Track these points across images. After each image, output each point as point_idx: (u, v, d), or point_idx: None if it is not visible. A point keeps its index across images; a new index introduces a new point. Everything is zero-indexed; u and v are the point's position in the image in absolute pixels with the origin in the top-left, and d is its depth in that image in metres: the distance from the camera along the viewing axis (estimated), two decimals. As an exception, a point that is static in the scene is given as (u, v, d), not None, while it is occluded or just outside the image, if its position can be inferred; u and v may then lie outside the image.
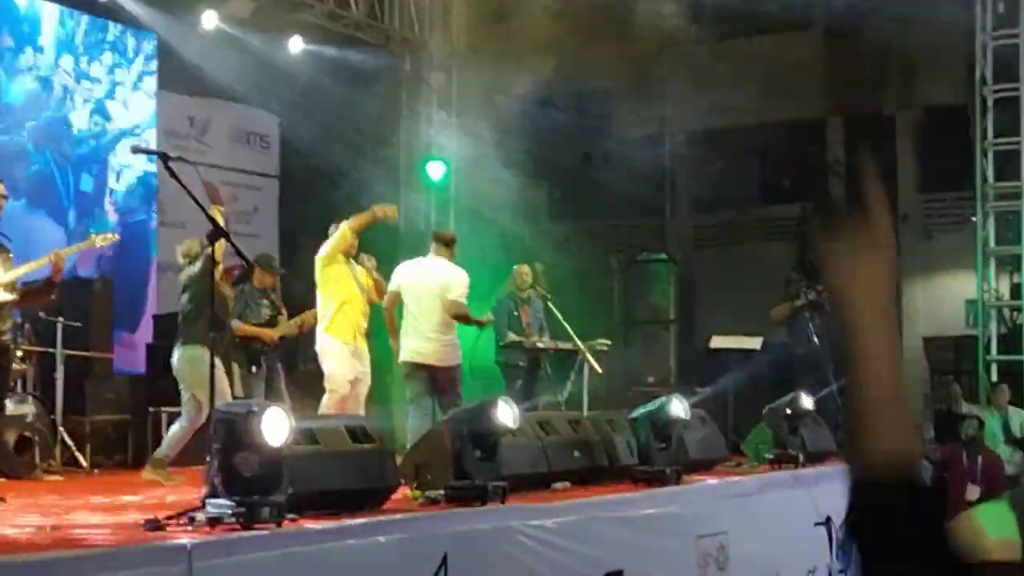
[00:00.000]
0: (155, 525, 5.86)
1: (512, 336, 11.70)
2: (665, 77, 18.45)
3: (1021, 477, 12.60)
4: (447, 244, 10.53)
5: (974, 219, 14.59)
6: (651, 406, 9.10)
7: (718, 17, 17.65)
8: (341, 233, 10.34)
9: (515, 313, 11.86)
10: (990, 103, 14.23)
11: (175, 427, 9.79)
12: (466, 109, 17.21)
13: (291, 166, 16.81)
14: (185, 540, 5.40)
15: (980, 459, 12.26)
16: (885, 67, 17.49)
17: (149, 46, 15.12)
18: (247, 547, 5.55)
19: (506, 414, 7.51)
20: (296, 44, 14.77)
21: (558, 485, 8.47)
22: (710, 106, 18.14)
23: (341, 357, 10.24)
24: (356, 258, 10.60)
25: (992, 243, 14.36)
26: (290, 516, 6.00)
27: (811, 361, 13.09)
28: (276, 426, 6.02)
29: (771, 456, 10.66)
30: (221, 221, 8.12)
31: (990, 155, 14.20)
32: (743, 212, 19.55)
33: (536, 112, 16.87)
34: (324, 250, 10.40)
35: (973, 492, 12.04)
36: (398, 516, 6.65)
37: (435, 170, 17.28)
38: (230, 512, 5.81)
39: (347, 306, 10.33)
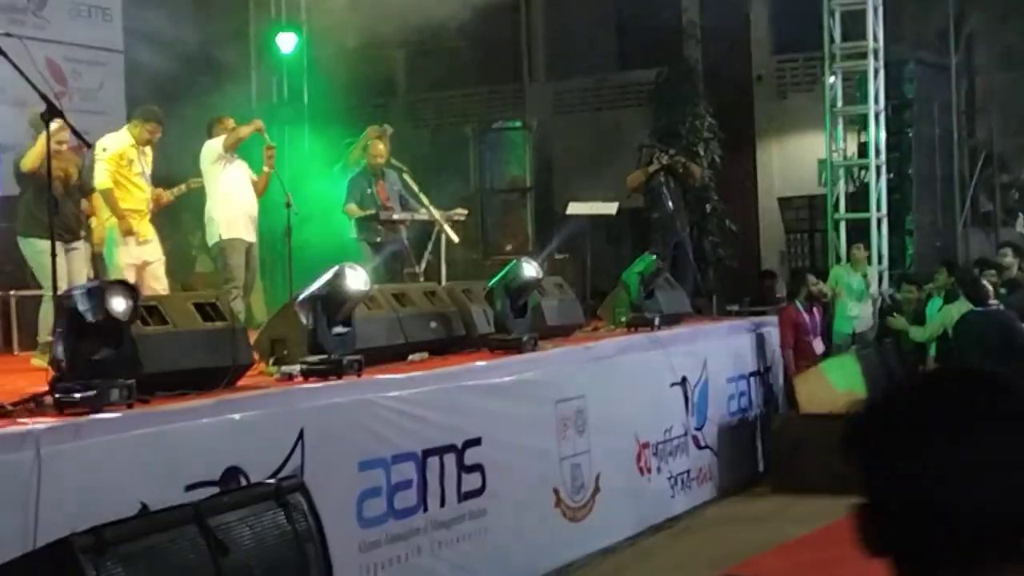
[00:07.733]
0: (1, 411, 5.73)
1: (368, 211, 11.54)
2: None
3: (867, 334, 12.86)
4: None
5: (826, 79, 14.75)
6: (503, 272, 9.13)
7: None
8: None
9: (370, 190, 11.69)
10: (837, -36, 14.29)
11: (43, 310, 9.52)
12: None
13: (135, 40, 16.24)
14: (32, 425, 5.30)
15: (822, 313, 12.37)
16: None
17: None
18: (97, 431, 5.47)
19: (356, 279, 7.47)
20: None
21: (415, 356, 8.48)
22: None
23: None
24: None
25: (840, 103, 14.56)
26: (141, 398, 5.92)
27: (667, 224, 13.26)
28: (120, 303, 5.89)
29: (627, 320, 10.79)
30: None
31: (836, 16, 14.29)
32: (599, 79, 19.53)
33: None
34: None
35: (819, 346, 12.26)
36: (252, 393, 6.61)
37: (286, 42, 16.80)
38: (78, 396, 5.69)
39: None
